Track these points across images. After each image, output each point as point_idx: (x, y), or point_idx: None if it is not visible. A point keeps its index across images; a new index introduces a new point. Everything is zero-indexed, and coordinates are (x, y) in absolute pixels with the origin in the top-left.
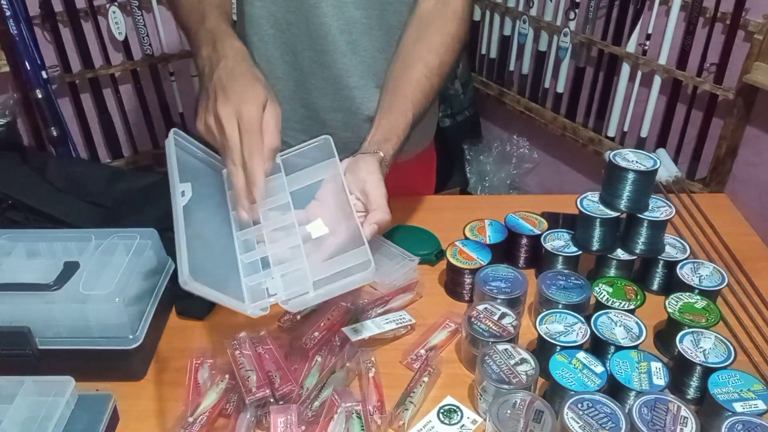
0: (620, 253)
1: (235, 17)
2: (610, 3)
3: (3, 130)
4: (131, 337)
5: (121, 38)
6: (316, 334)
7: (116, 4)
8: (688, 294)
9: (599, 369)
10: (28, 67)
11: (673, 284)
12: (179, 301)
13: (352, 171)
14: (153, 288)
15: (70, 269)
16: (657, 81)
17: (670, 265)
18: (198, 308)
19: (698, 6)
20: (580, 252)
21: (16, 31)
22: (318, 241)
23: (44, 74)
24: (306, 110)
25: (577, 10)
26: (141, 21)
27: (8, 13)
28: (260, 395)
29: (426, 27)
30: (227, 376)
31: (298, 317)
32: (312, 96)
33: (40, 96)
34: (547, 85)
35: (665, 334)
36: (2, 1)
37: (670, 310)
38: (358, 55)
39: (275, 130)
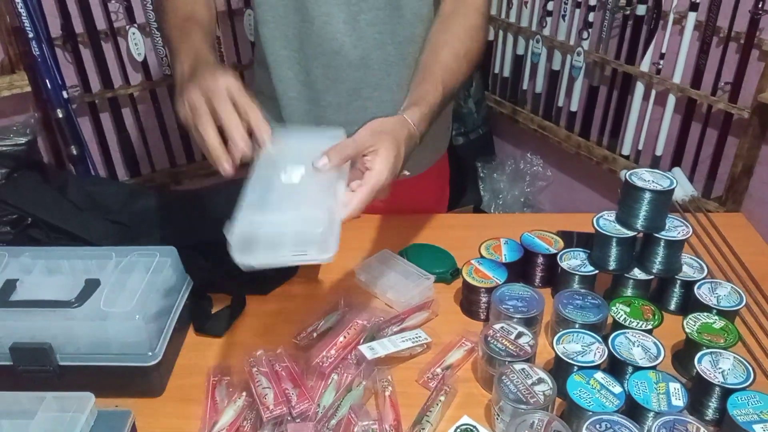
0: (637, 273)
1: (252, 38)
2: (623, 22)
3: (24, 148)
4: (150, 354)
5: (140, 59)
6: (333, 352)
7: (136, 25)
8: (706, 314)
9: (617, 389)
10: (50, 87)
11: (690, 304)
12: (197, 319)
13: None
14: (172, 305)
15: (91, 286)
16: (671, 100)
17: (688, 285)
18: (216, 326)
19: (712, 25)
20: (597, 271)
21: (38, 52)
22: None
23: (65, 94)
24: None
25: (590, 30)
26: (160, 42)
27: (31, 35)
28: (278, 413)
29: (449, 21)
30: (244, 393)
31: (314, 335)
32: (325, 113)
33: (60, 115)
34: (560, 103)
35: (683, 355)
36: (26, 24)
37: (688, 331)
38: (371, 69)
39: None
